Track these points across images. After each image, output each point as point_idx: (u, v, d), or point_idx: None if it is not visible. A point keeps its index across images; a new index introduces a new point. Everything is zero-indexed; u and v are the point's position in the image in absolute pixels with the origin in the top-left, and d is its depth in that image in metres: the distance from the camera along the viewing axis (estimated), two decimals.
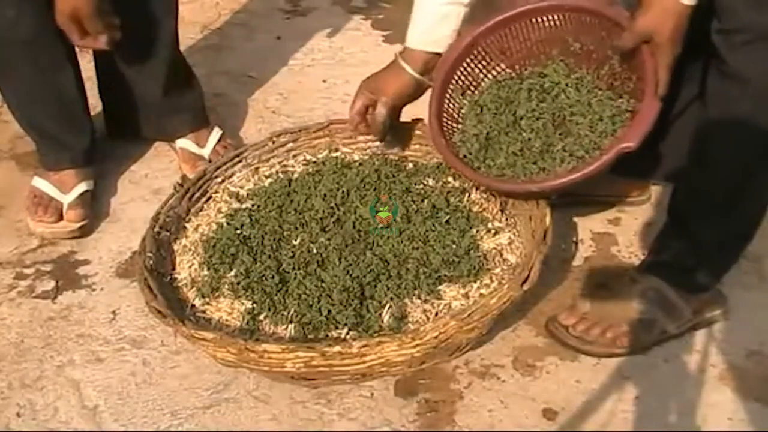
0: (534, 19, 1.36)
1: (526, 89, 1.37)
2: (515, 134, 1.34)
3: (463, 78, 1.41)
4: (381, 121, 1.43)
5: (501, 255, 1.36)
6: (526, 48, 1.39)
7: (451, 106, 1.41)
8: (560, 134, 1.31)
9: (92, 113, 1.75)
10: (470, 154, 1.36)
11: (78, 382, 1.34)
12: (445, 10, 1.35)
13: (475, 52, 1.40)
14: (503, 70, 1.42)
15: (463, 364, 1.34)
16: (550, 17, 1.35)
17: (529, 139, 1.33)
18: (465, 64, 1.40)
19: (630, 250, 1.56)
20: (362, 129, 1.49)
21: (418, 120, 1.55)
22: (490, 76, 1.42)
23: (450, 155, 1.36)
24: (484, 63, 1.41)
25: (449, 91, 1.40)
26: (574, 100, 1.33)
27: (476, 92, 1.42)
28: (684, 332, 1.38)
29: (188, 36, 2.22)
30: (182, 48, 1.83)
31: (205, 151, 1.78)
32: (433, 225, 1.37)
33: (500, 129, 1.35)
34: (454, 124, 1.41)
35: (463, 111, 1.41)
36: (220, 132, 1.81)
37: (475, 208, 1.42)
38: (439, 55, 1.40)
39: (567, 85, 1.35)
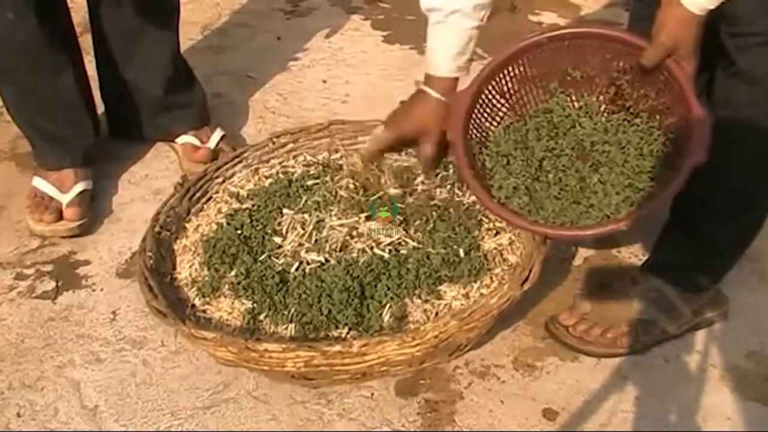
0: (532, 55, 1.29)
1: (533, 129, 1.31)
2: (545, 178, 1.27)
3: (473, 131, 1.31)
4: (431, 159, 1.33)
5: (501, 255, 1.36)
6: (524, 86, 1.32)
7: (474, 164, 1.30)
8: (591, 166, 1.26)
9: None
10: (522, 209, 1.25)
11: (78, 382, 1.34)
12: (471, 34, 1.28)
13: (480, 101, 1.31)
14: (505, 114, 1.34)
15: (463, 364, 1.34)
16: (547, 49, 1.29)
17: (560, 179, 1.26)
18: (473, 116, 1.30)
19: (630, 250, 1.56)
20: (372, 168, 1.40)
21: None
22: (495, 123, 1.34)
23: (519, 219, 1.24)
24: (488, 110, 1.33)
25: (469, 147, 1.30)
26: (591, 129, 1.29)
27: (489, 143, 1.32)
28: (684, 332, 1.38)
29: (189, 36, 2.22)
30: (182, 48, 1.83)
31: (208, 146, 1.78)
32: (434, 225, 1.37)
33: (531, 176, 1.27)
34: (483, 181, 1.28)
35: (487, 165, 1.30)
36: (222, 132, 1.81)
37: (476, 208, 1.42)
38: (458, 80, 1.32)
39: (578, 115, 1.30)
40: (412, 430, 1.25)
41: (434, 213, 1.39)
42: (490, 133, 1.33)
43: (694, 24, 1.11)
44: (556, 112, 1.32)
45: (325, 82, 2.11)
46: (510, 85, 1.33)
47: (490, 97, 1.32)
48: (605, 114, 1.30)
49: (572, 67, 1.30)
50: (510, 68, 1.31)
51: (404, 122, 1.35)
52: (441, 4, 1.26)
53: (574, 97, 1.32)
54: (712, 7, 1.08)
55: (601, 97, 1.31)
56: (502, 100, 1.33)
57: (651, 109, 1.26)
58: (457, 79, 1.31)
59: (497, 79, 1.32)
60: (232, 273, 1.33)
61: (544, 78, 1.32)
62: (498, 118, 1.34)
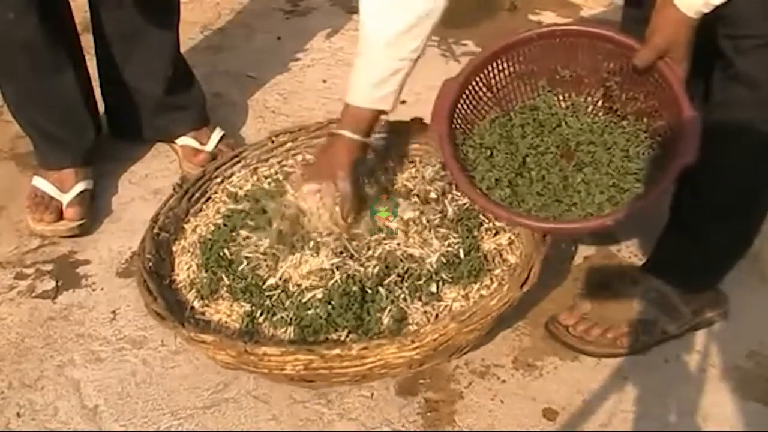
0: (521, 50, 1.29)
1: (518, 125, 1.31)
2: (527, 174, 1.27)
3: (457, 121, 1.30)
4: (348, 197, 1.32)
5: (501, 255, 1.36)
6: (511, 82, 1.32)
7: (457, 154, 1.29)
8: (575, 166, 1.27)
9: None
10: (503, 201, 1.26)
11: (78, 382, 1.34)
12: (398, 65, 1.27)
13: (466, 92, 1.30)
14: (491, 108, 1.33)
15: (463, 364, 1.34)
16: (537, 45, 1.28)
17: (543, 176, 1.26)
18: (458, 107, 1.30)
19: (630, 250, 1.56)
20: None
21: (417, 119, 1.55)
22: (480, 116, 1.33)
23: (503, 211, 1.24)
24: (474, 103, 1.32)
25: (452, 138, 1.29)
26: (577, 128, 1.29)
27: (473, 135, 1.32)
28: (684, 332, 1.38)
29: (188, 36, 2.22)
30: (182, 48, 1.83)
31: (207, 149, 1.78)
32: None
33: (514, 171, 1.27)
34: (465, 172, 1.28)
35: (469, 156, 1.30)
36: (222, 132, 1.81)
37: (476, 208, 1.41)
38: (380, 112, 1.31)
39: (565, 114, 1.31)
40: (412, 430, 1.25)
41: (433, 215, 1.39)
42: (474, 125, 1.33)
43: (688, 27, 1.11)
44: (543, 109, 1.32)
45: (325, 82, 2.11)
46: (498, 79, 1.32)
47: (476, 89, 1.32)
48: (592, 115, 1.30)
49: (562, 65, 1.30)
50: (498, 62, 1.31)
51: (311, 170, 1.36)
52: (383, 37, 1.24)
53: (561, 97, 1.32)
54: (707, 10, 1.08)
55: (589, 98, 1.30)
56: (489, 94, 1.33)
57: (639, 111, 1.25)
58: (376, 114, 1.30)
59: (485, 72, 1.31)
60: (230, 275, 1.33)
61: (532, 75, 1.32)
62: (483, 112, 1.34)
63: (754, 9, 1.13)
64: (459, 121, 1.30)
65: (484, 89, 1.32)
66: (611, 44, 1.23)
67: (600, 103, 1.31)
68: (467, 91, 1.30)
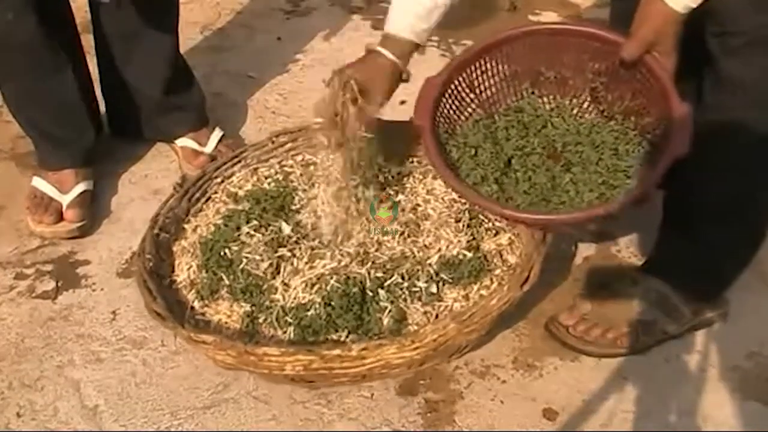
0: (505, 50, 1.28)
1: (503, 128, 1.30)
2: (513, 174, 1.27)
3: (440, 120, 1.29)
4: (371, 118, 1.29)
5: (501, 256, 1.36)
6: (495, 84, 1.31)
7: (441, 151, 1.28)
8: (563, 166, 1.26)
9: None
10: (490, 197, 1.25)
11: (78, 382, 1.34)
12: (435, 3, 1.25)
13: (449, 91, 1.29)
14: (474, 110, 1.32)
15: (463, 364, 1.34)
16: (521, 44, 1.27)
17: (530, 177, 1.26)
18: (441, 106, 1.29)
19: (630, 250, 1.56)
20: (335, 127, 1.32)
21: None
22: (463, 117, 1.33)
23: (491, 204, 1.23)
24: (456, 103, 1.31)
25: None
26: (563, 130, 1.28)
27: (456, 135, 1.31)
28: (684, 333, 1.38)
29: (188, 36, 2.22)
30: (182, 48, 1.83)
31: (207, 150, 1.78)
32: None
33: (499, 170, 1.27)
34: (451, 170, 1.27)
35: (453, 155, 1.28)
36: (221, 132, 1.81)
37: (476, 209, 1.41)
38: (416, 46, 1.28)
39: (550, 116, 1.30)
40: (412, 430, 1.25)
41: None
42: (457, 126, 1.32)
43: (675, 21, 1.10)
44: (527, 111, 1.31)
45: (325, 82, 2.11)
46: (481, 80, 1.31)
47: (459, 89, 1.30)
48: (578, 116, 1.29)
49: (546, 67, 1.28)
50: (481, 62, 1.29)
51: (354, 70, 1.29)
52: None
53: (545, 99, 1.31)
54: (694, 5, 1.08)
55: (574, 100, 1.30)
56: (472, 95, 1.32)
57: (626, 110, 1.25)
58: (413, 45, 1.27)
59: (468, 72, 1.30)
60: (230, 276, 1.33)
61: (516, 77, 1.31)
62: (467, 113, 1.33)
63: (740, 5, 1.12)
64: (442, 120, 1.29)
65: (467, 90, 1.31)
66: (599, 42, 1.22)
67: (586, 105, 1.30)
68: (449, 91, 1.29)
